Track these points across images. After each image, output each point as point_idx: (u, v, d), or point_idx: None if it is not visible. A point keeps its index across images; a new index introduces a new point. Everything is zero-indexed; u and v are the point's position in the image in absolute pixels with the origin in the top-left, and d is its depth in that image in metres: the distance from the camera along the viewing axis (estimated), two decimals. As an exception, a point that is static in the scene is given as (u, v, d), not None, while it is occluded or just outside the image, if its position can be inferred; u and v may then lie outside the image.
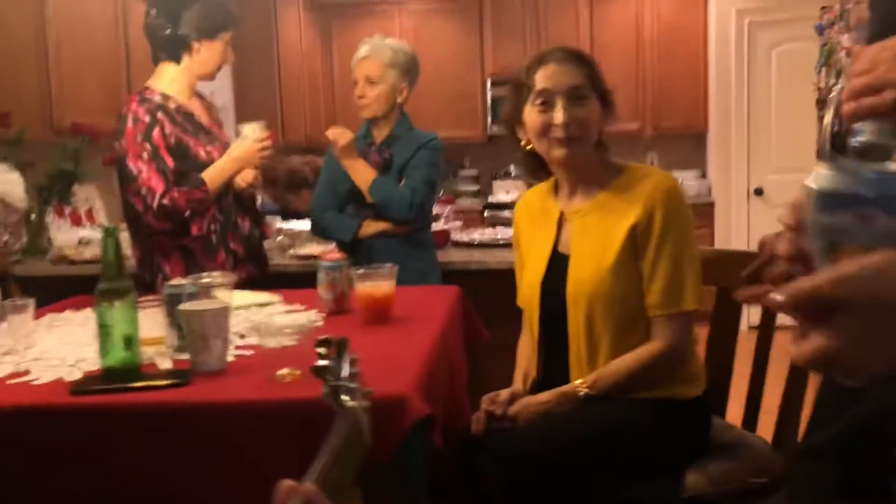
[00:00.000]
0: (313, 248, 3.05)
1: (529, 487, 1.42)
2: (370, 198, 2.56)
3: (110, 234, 1.32)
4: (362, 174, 2.57)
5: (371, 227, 2.61)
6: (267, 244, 2.88)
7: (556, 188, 1.80)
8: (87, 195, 3.92)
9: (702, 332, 1.76)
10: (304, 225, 3.38)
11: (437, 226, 3.23)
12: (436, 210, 3.51)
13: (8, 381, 1.37)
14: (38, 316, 1.81)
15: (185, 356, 1.42)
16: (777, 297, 0.57)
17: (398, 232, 2.58)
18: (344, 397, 0.79)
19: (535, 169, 1.76)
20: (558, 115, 1.63)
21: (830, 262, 0.59)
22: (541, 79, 1.65)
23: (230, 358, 1.42)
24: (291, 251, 3.13)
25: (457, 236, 3.37)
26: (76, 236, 3.65)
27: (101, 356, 1.34)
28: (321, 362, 0.79)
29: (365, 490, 1.32)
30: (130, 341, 1.35)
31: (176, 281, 1.60)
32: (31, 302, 1.62)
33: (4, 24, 3.13)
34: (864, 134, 0.85)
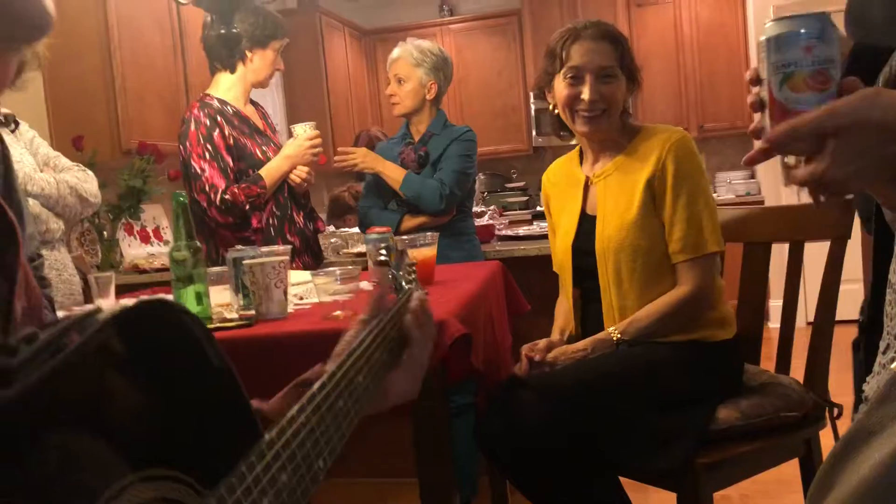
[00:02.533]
0: (364, 248, 3.21)
1: (566, 419, 1.52)
2: (403, 194, 2.71)
3: (178, 199, 1.49)
4: (393, 174, 2.73)
5: (411, 221, 2.74)
6: (322, 244, 3.05)
7: (580, 156, 1.92)
8: (154, 214, 4.18)
9: (732, 286, 1.85)
10: (356, 229, 3.58)
11: (481, 221, 3.37)
12: (479, 209, 3.66)
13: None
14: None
15: (251, 312, 1.58)
16: (777, 129, 0.71)
17: (436, 223, 2.70)
18: (403, 283, 0.94)
19: (561, 130, 1.88)
20: (586, 92, 1.74)
21: (789, 90, 0.72)
22: (574, 54, 1.76)
23: (290, 309, 1.57)
24: (344, 251, 3.31)
25: (503, 232, 3.50)
26: (145, 252, 3.90)
27: (176, 309, 1.50)
28: (382, 257, 0.94)
29: (417, 432, 1.45)
30: (201, 297, 1.52)
31: (239, 247, 1.77)
32: (111, 276, 1.80)
33: (75, 58, 3.41)
34: None
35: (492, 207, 3.65)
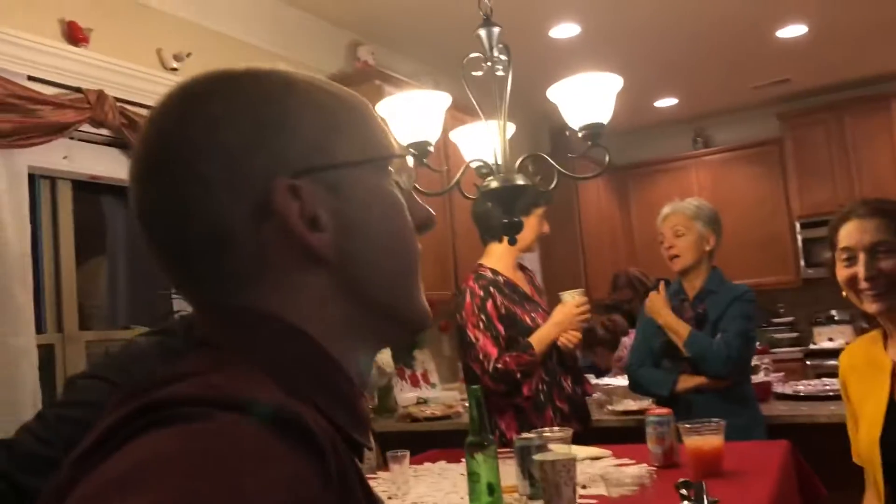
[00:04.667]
0: (629, 404, 3.15)
1: None
2: (686, 352, 2.63)
3: (474, 394, 1.59)
4: (677, 329, 2.67)
5: (688, 382, 2.66)
6: (585, 400, 3.04)
7: (884, 337, 1.77)
8: (422, 359, 4.46)
9: None
10: (618, 381, 3.52)
11: (756, 378, 3.17)
12: (754, 362, 3.45)
13: (398, 521, 1.67)
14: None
15: (538, 503, 1.61)
16: None
17: (715, 386, 2.60)
18: None
19: (862, 314, 1.75)
20: (861, 270, 1.66)
21: None
22: (843, 236, 1.72)
23: (578, 506, 1.58)
24: (609, 407, 3.26)
25: (779, 388, 3.27)
26: (415, 397, 4.15)
27: (470, 500, 1.58)
28: (684, 500, 0.93)
29: None
30: (493, 489, 1.58)
31: (525, 435, 1.82)
32: (407, 454, 1.94)
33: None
34: None
35: (766, 361, 3.43)
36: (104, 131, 2.85)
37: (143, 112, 2.99)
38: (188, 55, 3.15)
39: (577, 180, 2.30)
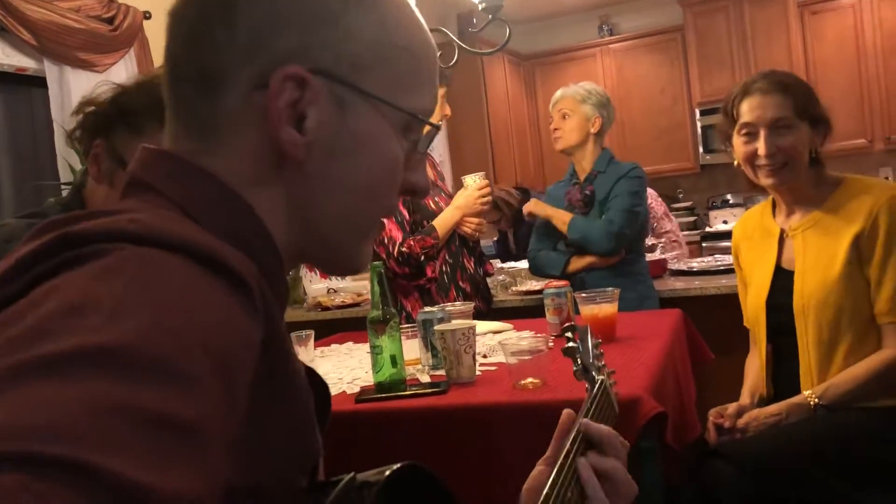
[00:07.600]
0: (532, 285, 3.24)
1: (764, 493, 1.47)
2: (570, 237, 2.72)
3: (376, 269, 1.59)
4: (560, 218, 2.76)
5: (578, 262, 2.75)
6: (490, 282, 3.11)
7: (773, 206, 1.85)
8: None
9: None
10: (522, 264, 3.61)
11: (652, 256, 3.30)
12: (651, 241, 3.58)
13: (303, 395, 1.69)
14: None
15: (440, 372, 1.65)
16: None
17: (604, 264, 2.69)
18: (593, 373, 0.95)
19: (753, 185, 1.81)
20: (761, 147, 1.69)
21: None
22: (744, 111, 1.72)
23: (478, 371, 1.63)
24: (512, 288, 3.35)
25: (674, 265, 3.41)
26: (324, 287, 4.14)
27: (374, 372, 1.61)
28: (570, 344, 0.96)
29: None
30: (396, 361, 1.61)
31: (428, 309, 1.85)
32: (311, 333, 1.94)
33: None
34: None
35: (662, 240, 3.57)
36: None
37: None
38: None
39: (478, 55, 2.27)
